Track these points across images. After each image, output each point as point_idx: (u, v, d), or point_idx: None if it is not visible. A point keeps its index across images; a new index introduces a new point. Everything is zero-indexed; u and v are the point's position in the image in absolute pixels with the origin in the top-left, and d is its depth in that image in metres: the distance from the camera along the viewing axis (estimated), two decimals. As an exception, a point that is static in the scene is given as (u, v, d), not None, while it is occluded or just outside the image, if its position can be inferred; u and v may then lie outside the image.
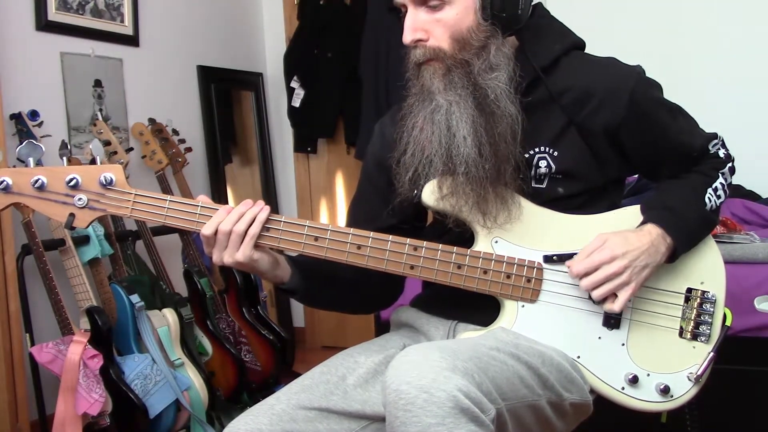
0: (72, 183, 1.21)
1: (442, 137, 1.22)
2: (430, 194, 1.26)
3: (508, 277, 1.26)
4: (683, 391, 1.28)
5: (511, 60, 1.24)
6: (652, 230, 1.26)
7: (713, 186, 1.32)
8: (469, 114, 1.21)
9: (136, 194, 1.22)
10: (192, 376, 2.53)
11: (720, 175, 1.34)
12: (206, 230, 1.21)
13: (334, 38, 3.57)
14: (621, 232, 1.25)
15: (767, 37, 3.02)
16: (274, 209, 3.78)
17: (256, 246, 1.22)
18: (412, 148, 1.25)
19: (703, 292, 1.31)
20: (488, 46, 1.23)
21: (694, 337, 1.30)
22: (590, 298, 1.25)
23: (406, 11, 1.25)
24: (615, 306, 1.23)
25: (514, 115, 1.22)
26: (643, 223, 1.28)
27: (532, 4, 1.28)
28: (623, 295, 1.22)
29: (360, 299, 1.46)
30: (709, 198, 1.31)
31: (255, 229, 1.21)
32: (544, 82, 1.28)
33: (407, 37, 1.25)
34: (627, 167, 1.36)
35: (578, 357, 1.26)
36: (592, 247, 1.24)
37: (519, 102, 1.23)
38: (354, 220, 1.43)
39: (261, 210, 1.22)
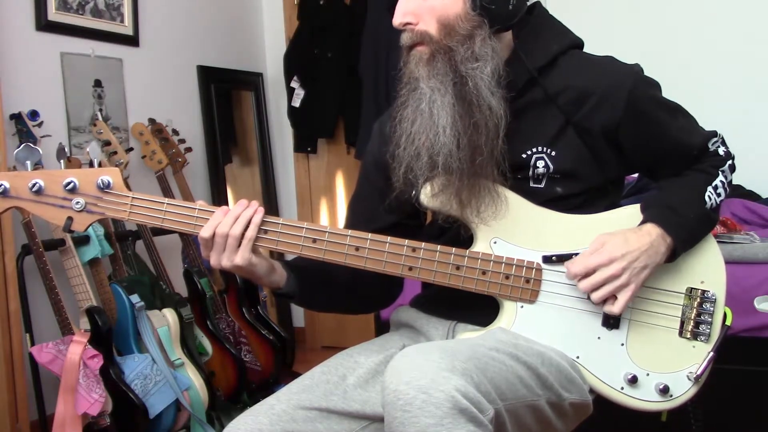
0: (69, 186, 1.21)
1: (427, 128, 1.22)
2: (425, 194, 1.26)
3: (507, 277, 1.25)
4: (683, 390, 1.28)
5: (498, 54, 1.24)
6: (652, 230, 1.25)
7: (713, 184, 1.32)
8: (449, 102, 1.22)
9: (133, 197, 1.22)
10: (192, 376, 2.53)
11: (720, 173, 1.34)
12: (204, 233, 1.21)
13: (334, 38, 3.57)
14: (620, 233, 1.25)
15: (767, 36, 3.02)
16: (274, 210, 3.79)
17: (254, 250, 1.22)
18: (404, 142, 1.25)
19: (703, 291, 1.31)
20: (474, 36, 1.23)
21: (694, 336, 1.30)
22: (590, 299, 1.25)
23: None
24: (614, 308, 1.23)
25: (494, 108, 1.22)
26: (643, 222, 1.28)
27: (531, 2, 1.27)
28: (623, 297, 1.22)
29: (358, 300, 1.46)
30: (709, 196, 1.31)
31: (251, 232, 1.22)
32: (540, 81, 1.28)
33: (396, 20, 1.26)
34: (626, 166, 1.36)
35: (577, 357, 1.26)
36: (591, 249, 1.24)
37: (504, 97, 1.23)
38: (353, 221, 1.43)
39: (255, 213, 1.23)
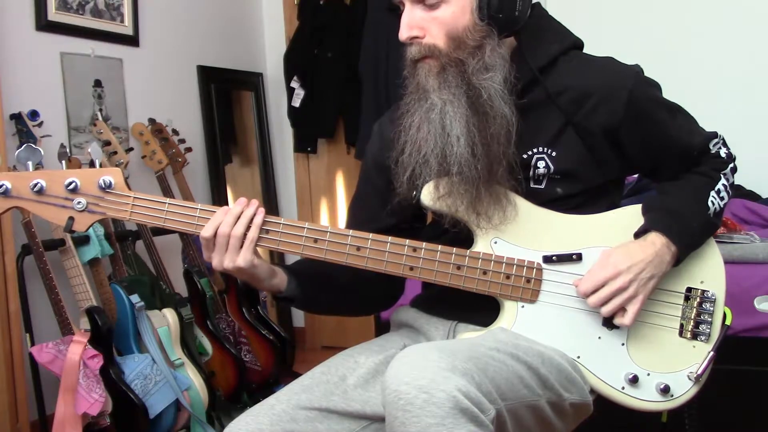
0: (71, 186, 1.21)
1: (437, 137, 1.22)
2: (428, 195, 1.26)
3: (508, 277, 1.26)
4: (683, 390, 1.28)
5: (507, 61, 1.24)
6: (656, 240, 1.25)
7: (716, 188, 1.32)
8: (463, 113, 1.21)
9: (135, 197, 1.22)
10: (192, 376, 2.53)
11: (722, 176, 1.34)
12: (205, 232, 1.21)
13: (334, 38, 3.57)
14: (624, 246, 1.25)
15: (767, 36, 3.02)
16: (274, 210, 3.79)
17: (254, 251, 1.22)
18: (410, 148, 1.25)
19: (703, 291, 1.31)
20: (484, 46, 1.23)
21: (694, 336, 1.30)
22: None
23: (404, 9, 1.26)
24: (625, 320, 1.23)
25: (507, 116, 1.22)
26: (646, 229, 1.27)
27: (531, 3, 1.27)
28: (632, 309, 1.23)
29: (359, 302, 1.46)
30: (712, 201, 1.31)
31: (253, 233, 1.21)
32: (542, 82, 1.28)
33: (403, 34, 1.25)
34: (627, 167, 1.36)
35: (578, 357, 1.26)
36: (597, 265, 1.24)
37: (514, 103, 1.23)
38: (354, 221, 1.43)
39: (256, 213, 1.22)
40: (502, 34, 1.24)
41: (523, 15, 1.24)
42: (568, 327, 1.26)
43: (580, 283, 1.24)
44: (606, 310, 1.23)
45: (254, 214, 1.22)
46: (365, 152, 1.48)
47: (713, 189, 1.32)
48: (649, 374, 1.27)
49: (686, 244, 1.28)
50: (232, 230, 1.20)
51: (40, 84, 2.70)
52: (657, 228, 1.26)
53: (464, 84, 1.22)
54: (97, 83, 2.92)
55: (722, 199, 1.32)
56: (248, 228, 1.21)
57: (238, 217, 1.21)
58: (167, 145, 3.02)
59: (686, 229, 1.27)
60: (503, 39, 1.25)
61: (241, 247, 1.21)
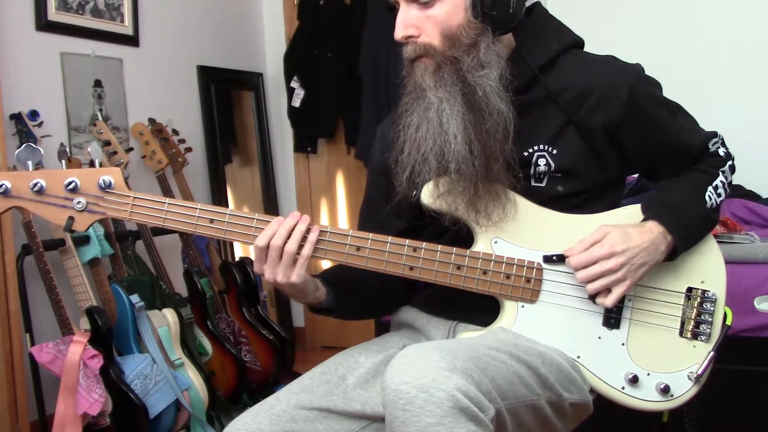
0: (71, 186, 1.21)
1: (435, 135, 1.23)
2: (428, 194, 1.26)
3: (508, 277, 1.26)
4: (683, 390, 1.28)
5: (502, 59, 1.25)
6: (654, 228, 1.26)
7: (713, 184, 1.32)
8: (459, 111, 1.22)
9: (134, 197, 1.22)
10: (192, 376, 2.53)
11: (720, 173, 1.34)
12: (260, 241, 1.20)
13: (334, 38, 3.57)
14: (622, 227, 1.25)
15: (767, 36, 3.02)
16: (274, 209, 3.79)
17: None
18: (409, 147, 1.25)
19: (704, 291, 1.31)
20: (478, 43, 1.23)
21: (695, 336, 1.30)
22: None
23: (399, 8, 1.26)
24: (607, 301, 1.23)
25: (504, 113, 1.22)
26: (644, 220, 1.28)
27: (530, 3, 1.28)
28: (616, 292, 1.23)
29: (384, 303, 1.46)
30: (709, 196, 1.31)
31: (307, 250, 1.21)
32: (542, 80, 1.28)
33: (398, 33, 1.26)
34: (627, 166, 1.36)
35: (578, 357, 1.26)
36: (592, 239, 1.24)
37: (511, 100, 1.23)
38: (366, 226, 1.42)
39: (311, 230, 1.22)
40: (496, 32, 1.24)
41: (518, 12, 1.24)
42: (568, 327, 1.26)
43: (572, 255, 1.24)
44: (592, 287, 1.23)
45: (306, 230, 1.21)
46: (370, 158, 1.48)
47: (711, 185, 1.32)
48: (649, 374, 1.27)
49: (683, 236, 1.28)
50: (285, 246, 1.20)
51: (40, 84, 2.70)
52: (654, 218, 1.27)
53: (459, 81, 1.22)
54: (97, 83, 2.92)
55: (719, 195, 1.33)
56: (301, 244, 1.21)
57: (291, 230, 1.21)
58: (167, 145, 3.02)
59: (683, 220, 1.28)
60: (499, 37, 1.26)
61: (295, 262, 1.21)
